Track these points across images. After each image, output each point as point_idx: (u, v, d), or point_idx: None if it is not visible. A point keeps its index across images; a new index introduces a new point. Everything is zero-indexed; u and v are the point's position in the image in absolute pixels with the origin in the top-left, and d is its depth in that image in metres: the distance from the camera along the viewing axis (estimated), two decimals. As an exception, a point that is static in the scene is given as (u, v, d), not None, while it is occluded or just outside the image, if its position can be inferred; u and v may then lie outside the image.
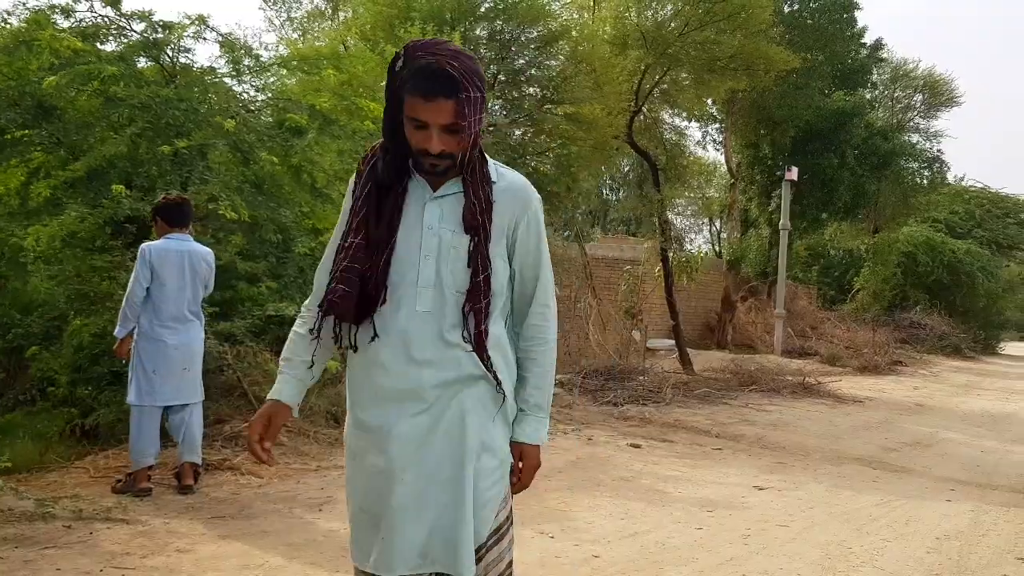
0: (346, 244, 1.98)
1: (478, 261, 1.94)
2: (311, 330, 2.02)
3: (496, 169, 2.02)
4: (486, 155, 2.02)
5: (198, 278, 5.01)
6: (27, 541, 3.90)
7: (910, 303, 22.82)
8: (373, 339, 1.94)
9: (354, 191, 2.02)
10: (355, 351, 1.99)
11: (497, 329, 2.01)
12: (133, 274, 4.87)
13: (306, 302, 2.10)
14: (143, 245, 4.92)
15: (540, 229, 2.05)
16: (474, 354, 1.94)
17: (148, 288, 4.84)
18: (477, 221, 1.94)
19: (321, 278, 2.06)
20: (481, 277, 1.94)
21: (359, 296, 1.94)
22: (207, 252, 5.14)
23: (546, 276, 2.07)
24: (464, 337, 1.94)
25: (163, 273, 4.86)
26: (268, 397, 2.06)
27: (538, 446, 2.08)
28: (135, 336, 4.91)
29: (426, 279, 1.94)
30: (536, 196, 2.06)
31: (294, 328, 2.09)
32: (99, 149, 6.03)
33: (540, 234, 2.05)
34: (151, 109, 6.18)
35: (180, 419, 4.96)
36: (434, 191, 1.97)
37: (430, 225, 1.95)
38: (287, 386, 2.05)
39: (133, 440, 4.83)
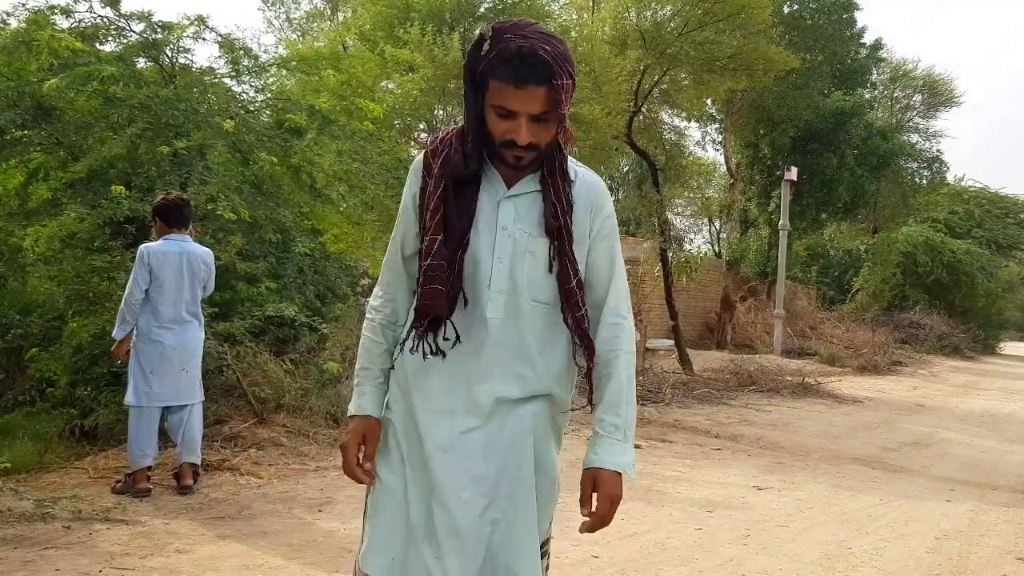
0: (425, 244, 1.80)
1: (566, 265, 1.78)
2: (413, 350, 1.82)
3: (573, 166, 1.85)
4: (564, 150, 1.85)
5: (196, 279, 5.00)
6: (27, 541, 3.89)
7: (909, 303, 22.84)
8: (455, 343, 1.78)
9: (423, 186, 1.84)
10: (441, 356, 1.80)
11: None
12: (131, 275, 4.86)
13: (371, 302, 1.94)
14: (141, 247, 4.91)
15: (615, 232, 1.90)
16: (542, 372, 1.83)
17: (146, 289, 4.83)
18: (559, 222, 1.77)
19: (386, 276, 1.92)
20: (574, 282, 1.78)
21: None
22: (206, 253, 5.13)
23: (618, 284, 1.88)
24: (576, 352, 1.82)
25: (161, 274, 4.84)
26: (352, 413, 1.90)
27: (619, 474, 1.82)
28: (133, 337, 4.92)
29: (499, 284, 1.78)
30: (610, 197, 1.91)
31: (366, 334, 1.92)
32: (98, 150, 6.03)
33: (615, 238, 1.89)
34: (150, 109, 6.18)
35: (179, 420, 4.96)
36: (508, 187, 1.81)
37: (504, 225, 1.79)
38: (371, 399, 1.89)
39: (131, 441, 4.83)
